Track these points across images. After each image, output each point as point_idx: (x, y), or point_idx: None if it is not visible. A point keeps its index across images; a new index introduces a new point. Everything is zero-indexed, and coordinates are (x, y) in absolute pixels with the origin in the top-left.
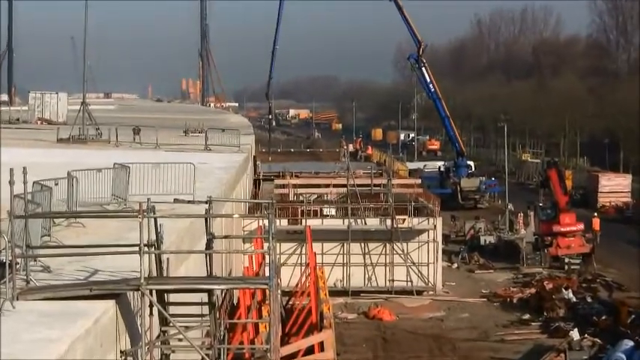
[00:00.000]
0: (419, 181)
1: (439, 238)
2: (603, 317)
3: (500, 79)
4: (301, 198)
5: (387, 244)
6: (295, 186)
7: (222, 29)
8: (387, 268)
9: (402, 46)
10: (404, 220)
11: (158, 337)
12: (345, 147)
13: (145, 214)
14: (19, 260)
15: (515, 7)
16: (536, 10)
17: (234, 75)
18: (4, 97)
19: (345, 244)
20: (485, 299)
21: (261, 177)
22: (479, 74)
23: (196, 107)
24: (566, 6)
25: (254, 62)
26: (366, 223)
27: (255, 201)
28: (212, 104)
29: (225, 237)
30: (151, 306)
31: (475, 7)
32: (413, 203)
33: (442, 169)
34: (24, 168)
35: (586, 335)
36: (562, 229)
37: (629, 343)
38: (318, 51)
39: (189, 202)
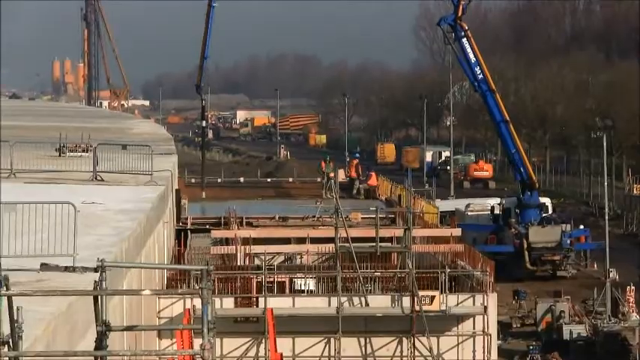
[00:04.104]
0: (458, 231)
1: (493, 329)
2: None
3: (593, 59)
4: (258, 261)
5: (405, 340)
6: (247, 241)
7: None
8: None
9: (429, 5)
10: (433, 298)
11: None
12: (333, 174)
13: None
14: None
15: None
16: None
17: (144, 57)
18: None
19: (334, 340)
20: None
21: (189, 226)
22: (557, 50)
23: (79, 108)
24: None
25: (176, 38)
26: (368, 304)
27: (180, 267)
28: (106, 103)
29: (129, 328)
30: None
31: None
32: (448, 270)
33: (498, 210)
34: None
35: None
36: None
37: None
38: (285, 18)
39: (66, 268)
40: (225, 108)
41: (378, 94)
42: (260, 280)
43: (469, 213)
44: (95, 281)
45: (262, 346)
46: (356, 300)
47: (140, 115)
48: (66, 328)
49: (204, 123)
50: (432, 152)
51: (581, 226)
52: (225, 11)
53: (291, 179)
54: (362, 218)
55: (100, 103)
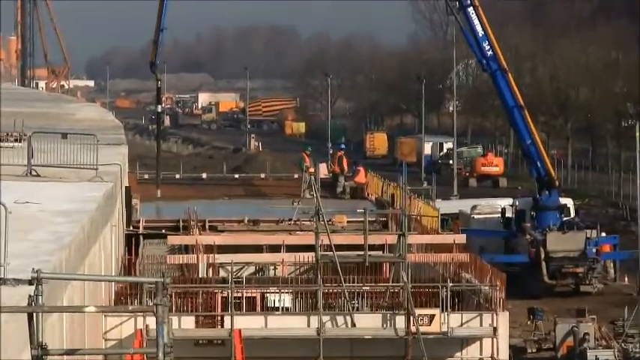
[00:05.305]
0: (463, 237)
1: (504, 355)
2: None
3: (623, 33)
4: (223, 273)
5: None
6: (211, 249)
7: None
8: None
9: None
10: (432, 317)
11: None
12: (313, 169)
13: None
14: None
15: None
16: None
17: (89, 29)
18: None
19: None
20: None
21: (141, 230)
22: (581, 23)
23: (10, 89)
24: None
25: (127, 6)
26: (354, 324)
27: (131, 279)
28: (42, 83)
29: (69, 352)
30: None
31: None
32: (450, 284)
33: (510, 213)
34: None
35: None
36: None
37: None
38: None
39: None
40: (185, 90)
41: (367, 74)
42: (226, 295)
43: (476, 216)
44: (30, 296)
45: None
46: (340, 319)
47: (83, 98)
48: None
49: (159, 108)
50: (431, 144)
51: (603, 233)
52: None
53: (263, 175)
54: (348, 222)
55: (36, 84)
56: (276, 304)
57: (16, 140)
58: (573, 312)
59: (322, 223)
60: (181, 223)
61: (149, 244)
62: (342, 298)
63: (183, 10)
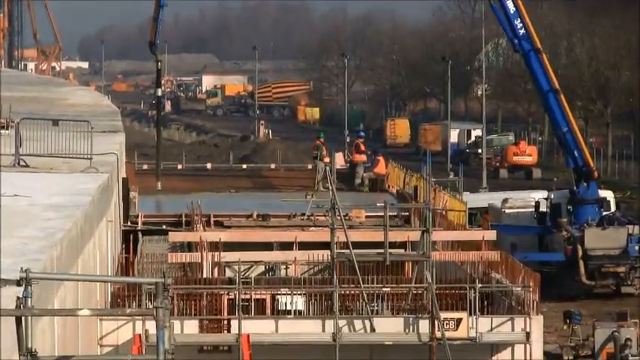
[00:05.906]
0: (493, 234)
1: None
2: None
3: None
4: (230, 273)
5: None
6: (216, 246)
7: None
8: None
9: None
10: (459, 321)
11: None
12: (327, 158)
13: None
14: None
15: None
16: None
17: (82, 6)
18: None
19: None
20: None
21: (140, 226)
22: None
23: None
24: None
25: None
26: (374, 329)
27: (129, 280)
28: (32, 65)
29: (62, 359)
30: None
31: None
32: (479, 285)
33: (544, 207)
34: None
35: None
36: None
37: None
38: None
39: None
40: (188, 72)
41: (387, 55)
42: (233, 297)
43: (507, 210)
44: (18, 298)
45: None
46: (358, 324)
47: (76, 81)
48: None
49: (159, 91)
50: (458, 131)
51: None
52: None
53: (273, 165)
54: (366, 217)
55: (25, 65)
56: (288, 307)
57: (2, 127)
58: (614, 315)
59: (338, 218)
60: (184, 218)
61: (148, 241)
62: (360, 301)
63: None
